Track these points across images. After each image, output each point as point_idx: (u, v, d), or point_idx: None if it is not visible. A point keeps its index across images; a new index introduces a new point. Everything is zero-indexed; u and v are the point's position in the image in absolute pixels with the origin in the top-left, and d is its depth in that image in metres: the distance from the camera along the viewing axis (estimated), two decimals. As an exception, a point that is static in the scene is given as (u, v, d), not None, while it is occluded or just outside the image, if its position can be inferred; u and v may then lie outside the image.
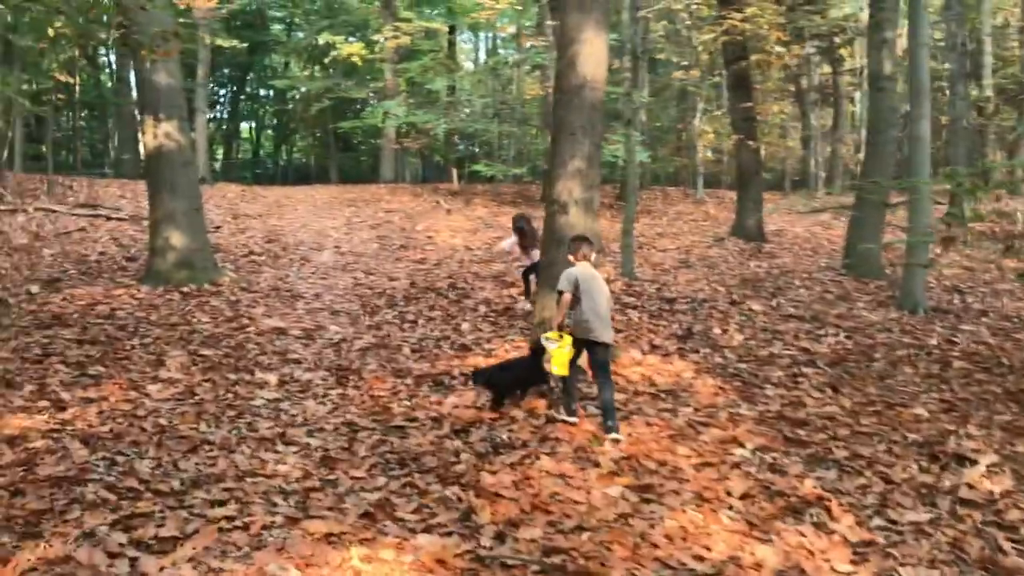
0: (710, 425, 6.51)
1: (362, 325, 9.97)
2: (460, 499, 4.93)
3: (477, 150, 25.82)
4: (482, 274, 13.47)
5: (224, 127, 45.72)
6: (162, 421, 6.25)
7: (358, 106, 37.61)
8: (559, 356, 6.37)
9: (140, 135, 11.55)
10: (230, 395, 7.05)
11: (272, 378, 7.54)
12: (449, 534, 4.48)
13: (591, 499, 4.94)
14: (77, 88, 24.32)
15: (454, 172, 25.16)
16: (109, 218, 18.31)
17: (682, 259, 15.36)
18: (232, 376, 7.58)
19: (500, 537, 4.45)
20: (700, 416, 6.72)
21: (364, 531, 4.48)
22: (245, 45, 29.54)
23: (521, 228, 11.31)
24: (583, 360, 6.64)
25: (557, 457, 5.60)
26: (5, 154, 29.53)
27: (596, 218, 8.23)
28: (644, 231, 18.82)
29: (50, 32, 16.48)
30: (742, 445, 6.06)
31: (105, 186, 24.08)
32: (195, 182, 12.00)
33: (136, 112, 27.04)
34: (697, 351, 8.89)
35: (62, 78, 19.98)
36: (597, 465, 5.47)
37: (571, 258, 6.79)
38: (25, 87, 24.66)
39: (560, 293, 6.52)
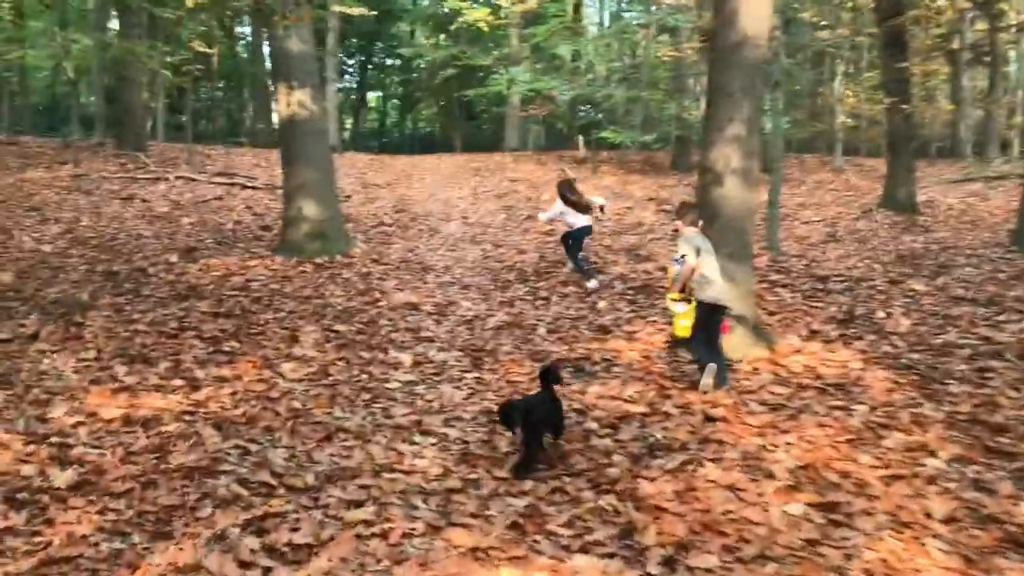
0: (891, 428, 5.67)
1: (494, 301, 9.49)
2: (617, 511, 4.34)
3: (601, 117, 24.92)
4: (614, 247, 12.78)
5: (352, 97, 46.23)
6: (296, 404, 5.92)
7: (482, 74, 37.24)
8: (686, 319, 6.46)
9: (274, 104, 11.36)
10: (364, 376, 6.68)
11: (406, 358, 7.14)
12: (610, 555, 3.90)
13: (770, 519, 4.26)
14: (215, 59, 24.73)
15: (580, 140, 24.38)
16: (244, 187, 18.52)
17: (829, 232, 14.20)
18: (366, 355, 7.22)
19: (669, 564, 3.84)
20: (878, 416, 5.88)
21: (513, 546, 3.96)
22: (373, 13, 29.45)
23: (565, 196, 10.67)
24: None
25: (723, 464, 4.92)
26: (149, 125, 30.61)
27: (755, 190, 7.40)
28: (784, 201, 17.64)
29: (188, 2, 16.65)
30: (934, 454, 5.21)
31: (241, 155, 24.53)
32: (328, 152, 11.76)
33: (269, 82, 27.43)
34: (861, 338, 7.96)
35: (200, 49, 20.20)
36: (771, 476, 4.76)
37: (679, 224, 6.81)
38: (167, 59, 25.27)
39: (683, 258, 6.45)
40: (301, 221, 11.24)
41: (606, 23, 35.30)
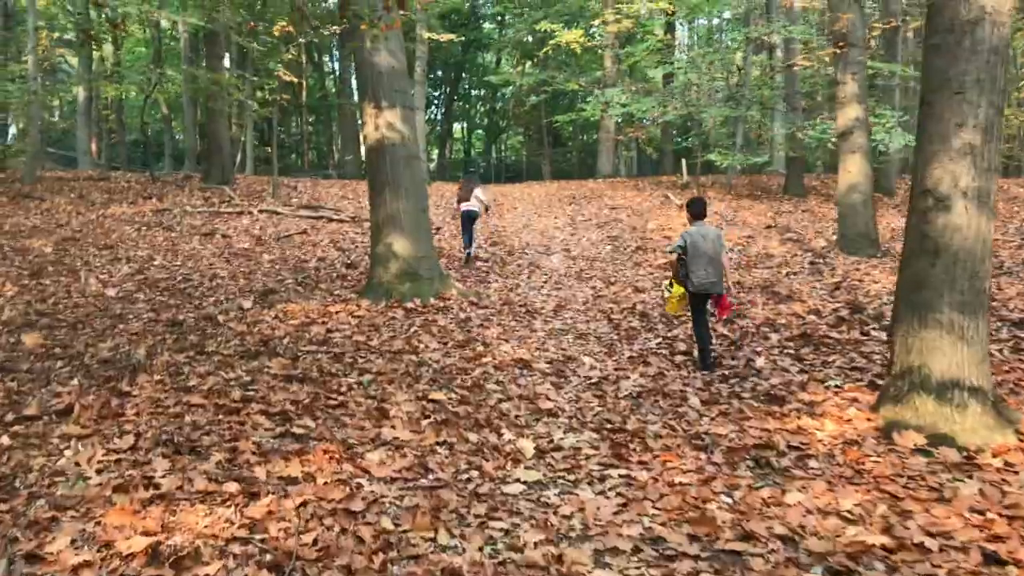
0: None
1: (622, 356, 7.62)
2: None
3: (694, 141, 22.98)
4: (746, 283, 10.78)
5: (438, 128, 45.24)
6: (386, 523, 4.17)
7: (569, 100, 35.62)
8: (671, 302, 7.50)
9: (360, 128, 9.87)
10: (474, 472, 4.89)
11: (527, 445, 5.32)
12: None
13: None
14: (303, 92, 23.76)
15: (683, 164, 22.36)
16: (331, 219, 17.18)
17: (995, 264, 11.88)
18: (473, 437, 5.44)
19: None
20: None
21: None
22: (461, 39, 28.21)
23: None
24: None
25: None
26: (238, 158, 29.91)
27: (993, 217, 5.38)
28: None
29: (275, 31, 15.43)
30: None
31: (328, 187, 23.36)
32: (421, 180, 10.14)
33: (358, 112, 26.31)
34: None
35: (286, 77, 19.07)
36: None
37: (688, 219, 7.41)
38: (259, 93, 24.39)
39: (670, 253, 7.39)
40: (390, 259, 9.61)
41: (695, 42, 33.30)
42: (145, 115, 34.89)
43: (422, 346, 7.76)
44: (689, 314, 7.52)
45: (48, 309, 8.94)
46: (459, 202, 13.02)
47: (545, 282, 11.33)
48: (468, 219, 12.78)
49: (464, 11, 37.65)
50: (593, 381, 6.80)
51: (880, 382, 6.47)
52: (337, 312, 8.95)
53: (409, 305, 9.26)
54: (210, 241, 14.11)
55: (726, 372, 6.94)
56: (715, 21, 32.00)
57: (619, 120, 25.46)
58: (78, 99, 26.06)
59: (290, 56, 20.22)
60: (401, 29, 9.94)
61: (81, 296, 9.67)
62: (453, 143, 48.78)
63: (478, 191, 12.96)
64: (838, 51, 12.16)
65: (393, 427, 5.58)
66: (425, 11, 25.74)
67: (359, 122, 26.71)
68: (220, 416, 5.67)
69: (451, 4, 32.68)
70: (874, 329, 8.22)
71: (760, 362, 7.18)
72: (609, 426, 5.71)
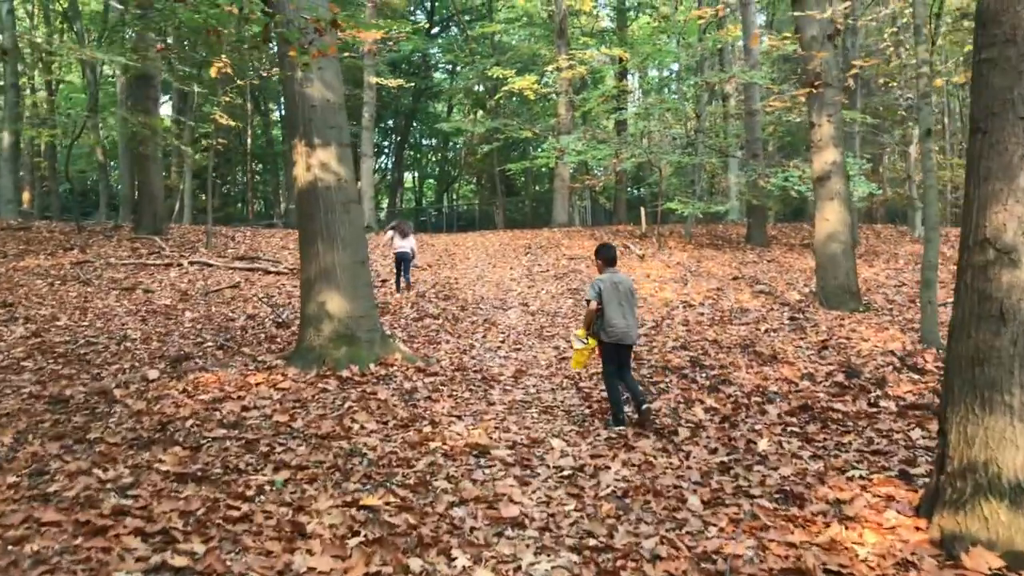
0: None
1: (596, 436, 6.32)
2: None
3: (652, 188, 22.20)
4: (723, 342, 9.62)
5: (388, 177, 44.04)
6: None
7: (522, 148, 34.79)
8: (578, 355, 6.80)
9: (290, 167, 8.56)
10: (416, 625, 3.52)
11: (485, 575, 3.97)
12: None
13: None
14: (250, 138, 22.40)
15: (643, 212, 21.39)
16: (267, 271, 15.73)
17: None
18: (416, 565, 4.05)
19: None
20: None
21: None
22: (411, 85, 27.21)
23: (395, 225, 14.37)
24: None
25: None
26: (176, 206, 28.25)
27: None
28: (888, 276, 14.44)
29: (212, 72, 14.21)
30: None
31: (268, 237, 21.87)
32: (359, 227, 8.82)
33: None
34: None
35: (224, 122, 17.70)
36: None
37: (598, 264, 6.90)
38: (201, 140, 22.96)
39: (588, 302, 6.65)
40: (324, 319, 8.22)
41: (651, 88, 32.78)
42: (77, 163, 33.12)
43: (357, 427, 6.37)
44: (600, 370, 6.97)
45: (-95, 383, 7.35)
46: (392, 239, 14.06)
47: (503, 342, 10.03)
48: (403, 259, 13.88)
49: (415, 61, 36.81)
50: (566, 473, 5.47)
51: (912, 471, 5.28)
52: (258, 384, 7.51)
53: (344, 373, 7.86)
54: (128, 297, 12.54)
55: (725, 460, 5.67)
56: (666, 72, 31.55)
57: (574, 168, 24.56)
58: (2, 144, 24.29)
59: (228, 99, 18.87)
60: (337, 57, 8.69)
61: (-45, 365, 8.08)
62: (404, 192, 47.56)
63: (412, 238, 14.07)
64: (814, 91, 11.25)
65: (310, 551, 4.17)
66: (374, 56, 24.69)
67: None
68: (79, 539, 4.20)
69: (402, 53, 31.76)
70: (881, 399, 7.07)
71: (763, 445, 5.93)
72: (592, 543, 4.37)
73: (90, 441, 5.84)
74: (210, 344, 9.43)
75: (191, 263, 15.86)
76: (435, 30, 38.86)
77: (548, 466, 5.64)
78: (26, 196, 32.40)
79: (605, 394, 7.22)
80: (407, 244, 13.77)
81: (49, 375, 7.89)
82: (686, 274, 15.00)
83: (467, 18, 34.60)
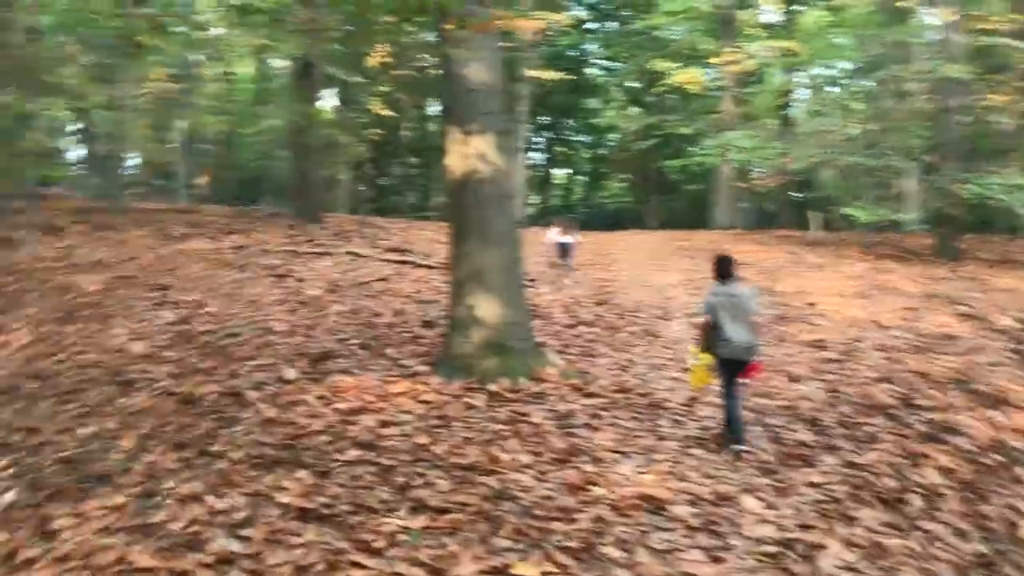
0: None
1: (801, 495, 5.00)
2: None
3: (826, 190, 20.19)
4: (931, 373, 7.97)
5: (538, 173, 43.26)
6: None
7: (677, 145, 33.11)
8: (696, 373, 6.29)
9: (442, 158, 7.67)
10: None
11: None
12: None
13: None
14: (405, 133, 22.12)
15: (811, 217, 19.42)
16: (417, 265, 15.08)
17: None
18: None
19: None
20: None
21: None
22: (568, 79, 26.15)
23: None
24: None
25: None
26: (337, 196, 28.49)
27: None
28: None
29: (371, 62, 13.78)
30: None
31: (421, 229, 21.40)
32: (513, 226, 7.81)
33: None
34: None
35: (382, 112, 17.27)
36: None
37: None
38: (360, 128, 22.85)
39: (699, 317, 6.39)
40: (472, 325, 7.26)
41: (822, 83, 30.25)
42: (248, 151, 34.17)
43: (507, 458, 5.34)
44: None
45: (49, 369, 6.94)
46: (556, 233, 15.01)
47: (670, 358, 8.77)
48: (564, 247, 14.84)
49: (571, 56, 35.75)
50: (768, 549, 4.21)
51: None
52: (399, 394, 6.62)
53: (493, 387, 6.86)
54: (279, 284, 12.13)
55: (984, 550, 4.23)
56: (841, 66, 28.96)
57: (737, 167, 22.77)
58: (179, 132, 25.16)
59: (387, 90, 18.45)
60: (497, 35, 7.69)
61: (100, 351, 7.67)
62: (553, 189, 46.67)
63: (577, 235, 15.12)
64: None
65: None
66: (532, 49, 23.81)
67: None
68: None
69: (558, 48, 30.79)
70: None
71: (1032, 530, 4.45)
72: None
73: (212, 455, 5.10)
74: (354, 342, 8.70)
75: (345, 253, 15.46)
76: (593, 25, 37.67)
77: (743, 535, 4.39)
78: (204, 180, 33.82)
79: (795, 434, 5.87)
80: (569, 238, 14.85)
81: (186, 369, 7.33)
82: (867, 288, 13.16)
83: (627, 12, 33.20)
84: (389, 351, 8.31)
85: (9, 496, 4.07)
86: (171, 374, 7.07)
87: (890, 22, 18.93)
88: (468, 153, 7.35)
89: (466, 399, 6.61)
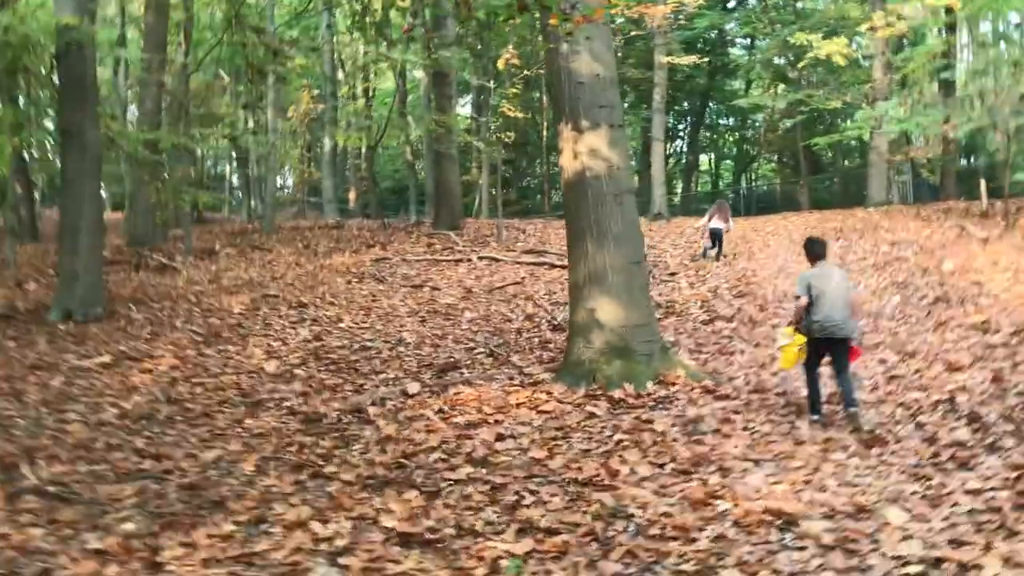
0: None
1: (955, 505, 4.43)
2: None
3: (993, 158, 18.31)
4: None
5: (682, 161, 42.12)
6: None
7: (828, 121, 31.26)
8: (786, 354, 6.31)
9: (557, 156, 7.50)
10: None
11: None
12: None
13: None
14: (545, 130, 22.06)
15: (983, 186, 17.71)
16: (553, 265, 14.97)
17: None
18: None
19: None
20: None
21: None
22: (706, 61, 25.20)
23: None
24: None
25: None
26: (476, 201, 28.89)
27: None
28: None
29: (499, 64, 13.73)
30: None
31: (558, 229, 21.28)
32: (634, 222, 7.51)
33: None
34: None
35: (511, 113, 17.26)
36: None
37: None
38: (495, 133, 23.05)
39: (797, 298, 6.26)
40: (593, 329, 7.03)
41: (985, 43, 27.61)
42: (391, 163, 35.24)
43: (625, 471, 5.07)
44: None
45: (187, 392, 7.29)
46: (709, 219, 14.97)
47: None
48: (717, 235, 14.79)
49: (710, 38, 34.55)
50: (913, 571, 3.73)
51: None
52: (519, 404, 6.50)
53: (616, 394, 6.60)
54: (415, 295, 12.34)
55: None
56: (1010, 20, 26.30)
57: (893, 139, 21.16)
58: (324, 149, 26.31)
59: (515, 92, 18.45)
60: (607, 23, 7.40)
61: (237, 372, 8.02)
62: (699, 175, 45.30)
63: (731, 221, 15.38)
64: None
65: None
66: (665, 35, 23.12)
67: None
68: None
69: (696, 30, 29.78)
70: None
71: None
72: None
73: (325, 476, 5.15)
74: (481, 351, 8.68)
75: (480, 258, 15.59)
76: (732, 3, 36.24)
77: (884, 554, 3.92)
78: (352, 195, 35.26)
79: (952, 433, 5.23)
80: (722, 224, 14.77)
81: (315, 385, 7.53)
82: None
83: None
84: (514, 358, 8.22)
85: (127, 527, 4.22)
86: (299, 392, 7.27)
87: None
88: (580, 151, 7.14)
89: (588, 407, 6.40)
